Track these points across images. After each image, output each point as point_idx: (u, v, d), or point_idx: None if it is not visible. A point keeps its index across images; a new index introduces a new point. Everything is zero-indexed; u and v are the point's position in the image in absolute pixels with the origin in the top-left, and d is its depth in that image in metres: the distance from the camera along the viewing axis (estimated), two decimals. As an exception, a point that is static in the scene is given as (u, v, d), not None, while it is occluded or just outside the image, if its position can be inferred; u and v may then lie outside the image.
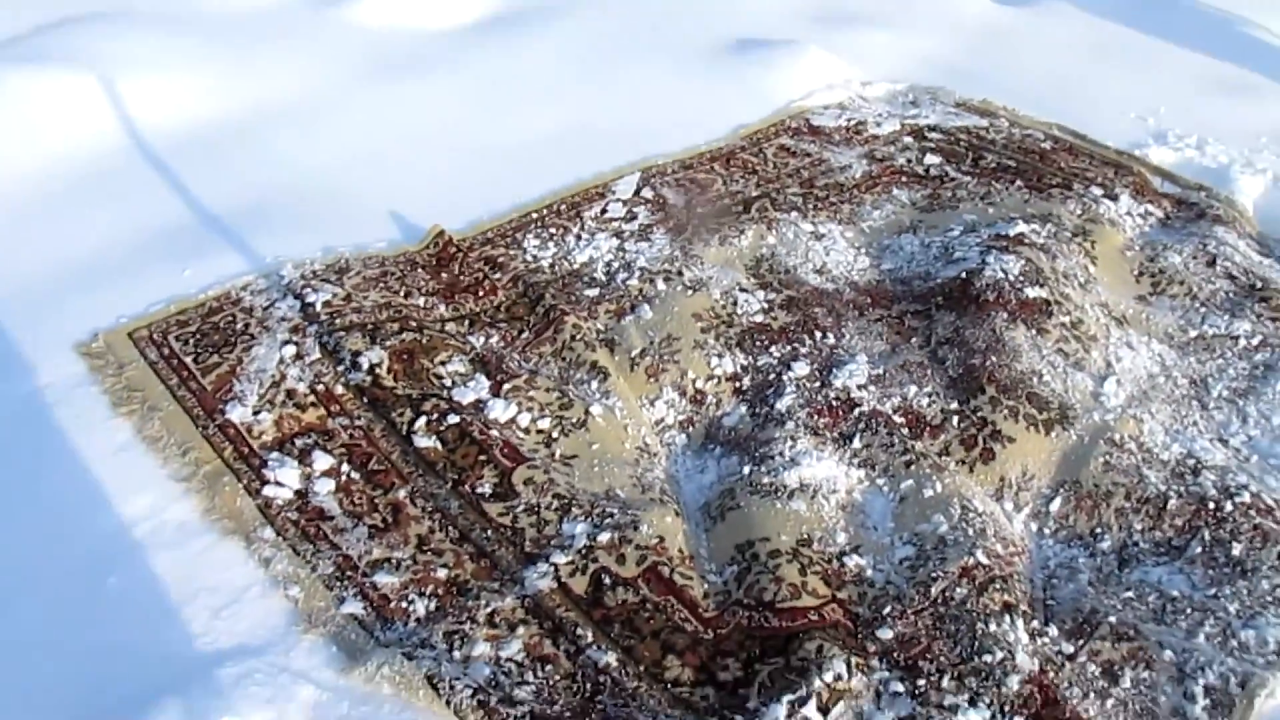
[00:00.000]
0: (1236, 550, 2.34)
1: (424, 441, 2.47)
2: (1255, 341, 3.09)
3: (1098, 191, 3.75)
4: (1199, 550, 2.35)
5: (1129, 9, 5.57)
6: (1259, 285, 3.32)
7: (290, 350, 2.65)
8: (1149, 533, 2.41)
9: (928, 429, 2.65)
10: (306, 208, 3.34)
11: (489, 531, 2.28)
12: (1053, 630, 2.14)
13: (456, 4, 4.93)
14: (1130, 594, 2.25)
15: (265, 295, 2.86)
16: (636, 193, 3.56)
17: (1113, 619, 2.15)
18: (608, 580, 2.16)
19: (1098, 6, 5.58)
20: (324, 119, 3.88)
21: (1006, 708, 1.94)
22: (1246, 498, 2.47)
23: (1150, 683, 2.03)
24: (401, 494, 2.35)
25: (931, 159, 3.97)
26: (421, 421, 2.51)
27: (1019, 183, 3.80)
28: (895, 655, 2.05)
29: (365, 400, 2.58)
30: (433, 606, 2.11)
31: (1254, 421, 2.80)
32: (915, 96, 4.49)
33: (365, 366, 2.62)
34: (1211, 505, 2.44)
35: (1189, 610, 2.20)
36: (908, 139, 4.12)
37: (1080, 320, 3.03)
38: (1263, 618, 2.17)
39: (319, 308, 2.78)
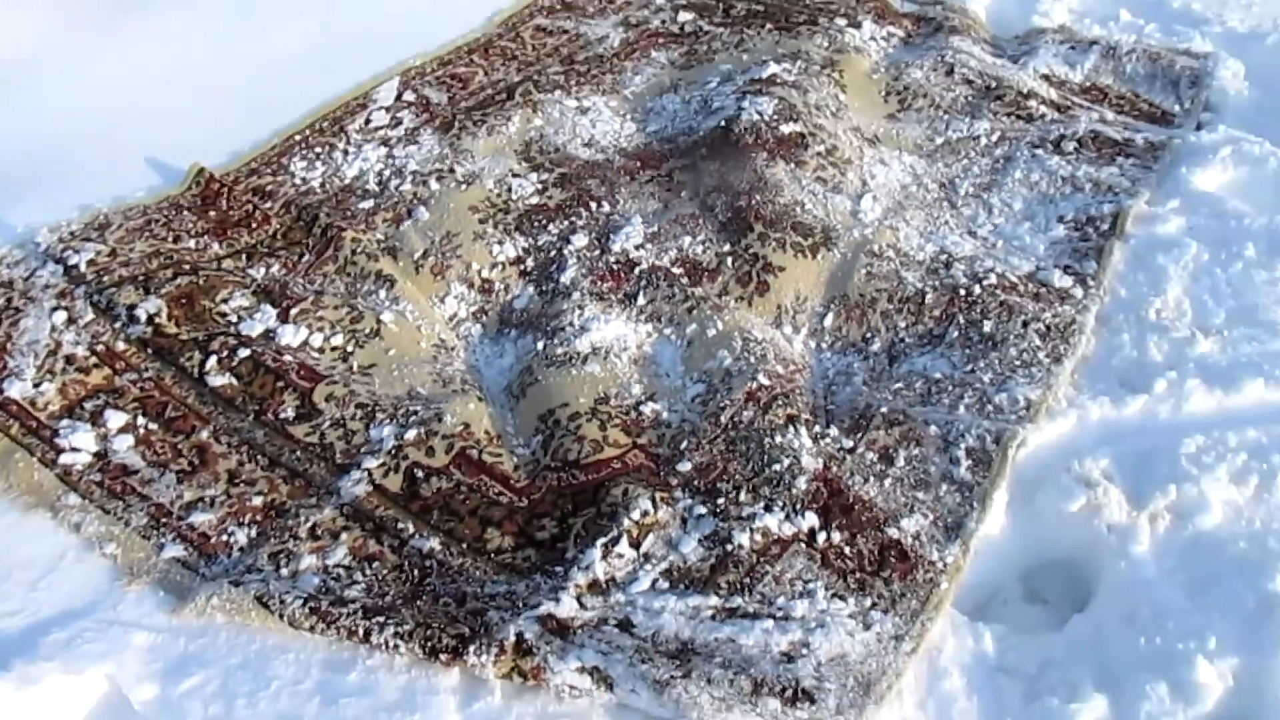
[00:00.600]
0: (987, 327, 2.59)
1: (218, 380, 2.47)
2: (995, 138, 3.34)
3: (842, 22, 3.91)
4: (955, 334, 2.59)
5: None
6: (993, 85, 3.56)
7: (61, 316, 2.58)
8: (912, 328, 2.64)
9: (705, 274, 2.79)
10: (54, 168, 3.18)
11: (298, 453, 2.33)
12: (833, 431, 2.34)
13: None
14: (900, 385, 2.48)
15: (23, 266, 2.75)
16: (398, 97, 3.53)
17: (884, 409, 2.37)
18: (420, 473, 2.25)
19: None
20: (57, 72, 3.66)
21: (798, 505, 2.14)
22: (993, 280, 2.72)
23: (921, 457, 2.26)
24: (204, 435, 2.36)
25: (685, 16, 4.05)
26: (212, 361, 2.50)
27: (769, 26, 3.93)
28: (696, 483, 2.22)
29: (150, 352, 2.55)
30: (254, 534, 2.16)
31: (998, 210, 3.05)
32: (662, -43, 4.53)
33: (144, 318, 2.58)
34: (963, 292, 2.69)
35: (950, 388, 2.44)
36: (660, 1, 4.18)
37: (835, 147, 3.21)
38: (1012, 380, 2.43)
39: (84, 268, 2.70)
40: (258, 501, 2.22)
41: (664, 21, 4.04)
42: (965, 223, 3.01)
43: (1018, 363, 2.48)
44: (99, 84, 3.60)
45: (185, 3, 4.11)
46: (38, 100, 3.51)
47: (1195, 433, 2.22)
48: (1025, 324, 2.57)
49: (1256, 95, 3.49)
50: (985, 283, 2.70)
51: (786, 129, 3.20)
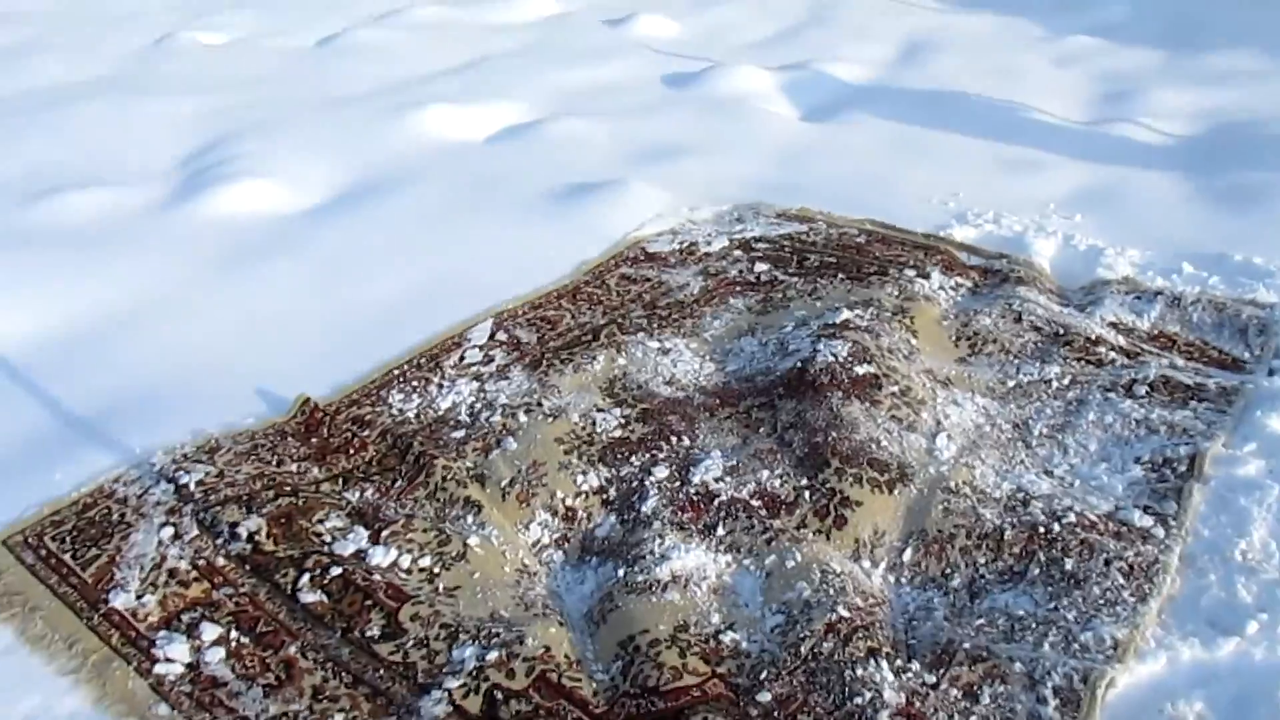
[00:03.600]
0: (1069, 565, 2.58)
1: (310, 597, 2.55)
2: (1066, 381, 3.42)
3: (911, 273, 4.12)
4: (1037, 571, 2.58)
5: (918, 109, 6.17)
6: (1061, 332, 3.68)
7: (168, 532, 2.72)
8: (992, 564, 2.64)
9: (783, 507, 2.85)
10: (173, 398, 3.43)
11: (381, 671, 2.37)
12: (915, 665, 2.32)
13: (296, 191, 5.16)
14: (982, 620, 2.46)
15: (138, 484, 2.93)
16: (491, 337, 3.76)
17: (967, 645, 2.35)
18: (500, 695, 2.27)
19: (890, 112, 6.15)
20: (180, 312, 4.00)
21: (881, 742, 2.10)
22: (1072, 518, 2.73)
23: (1006, 695, 2.22)
24: (292, 650, 2.42)
25: (761, 266, 4.30)
26: (305, 579, 2.60)
27: (841, 276, 4.15)
28: (776, 714, 2.20)
29: (248, 568, 2.66)
30: (334, 751, 2.18)
31: (1073, 451, 3.09)
32: (739, 214, 4.86)
33: (244, 535, 2.71)
34: (1042, 530, 2.69)
35: (1034, 625, 2.41)
36: (737, 252, 4.45)
37: (908, 388, 3.32)
38: (1097, 619, 2.40)
39: (193, 487, 2.87)
40: (340, 718, 2.25)
41: (741, 271, 4.28)
42: (1041, 462, 3.05)
43: (1102, 601, 2.45)
44: (217, 322, 3.92)
45: (302, 248, 4.51)
46: (161, 337, 3.82)
47: (1293, 678, 2.16)
48: (1108, 562, 2.56)
49: (1326, 344, 3.55)
50: (1064, 521, 2.71)
51: (861, 370, 3.33)
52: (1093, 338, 3.65)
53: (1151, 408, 3.23)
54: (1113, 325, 3.79)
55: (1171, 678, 2.23)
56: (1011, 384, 3.45)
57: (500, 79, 7.06)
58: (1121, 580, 2.50)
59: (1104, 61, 7.19)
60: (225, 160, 5.55)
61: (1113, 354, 3.57)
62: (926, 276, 4.10)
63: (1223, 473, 2.88)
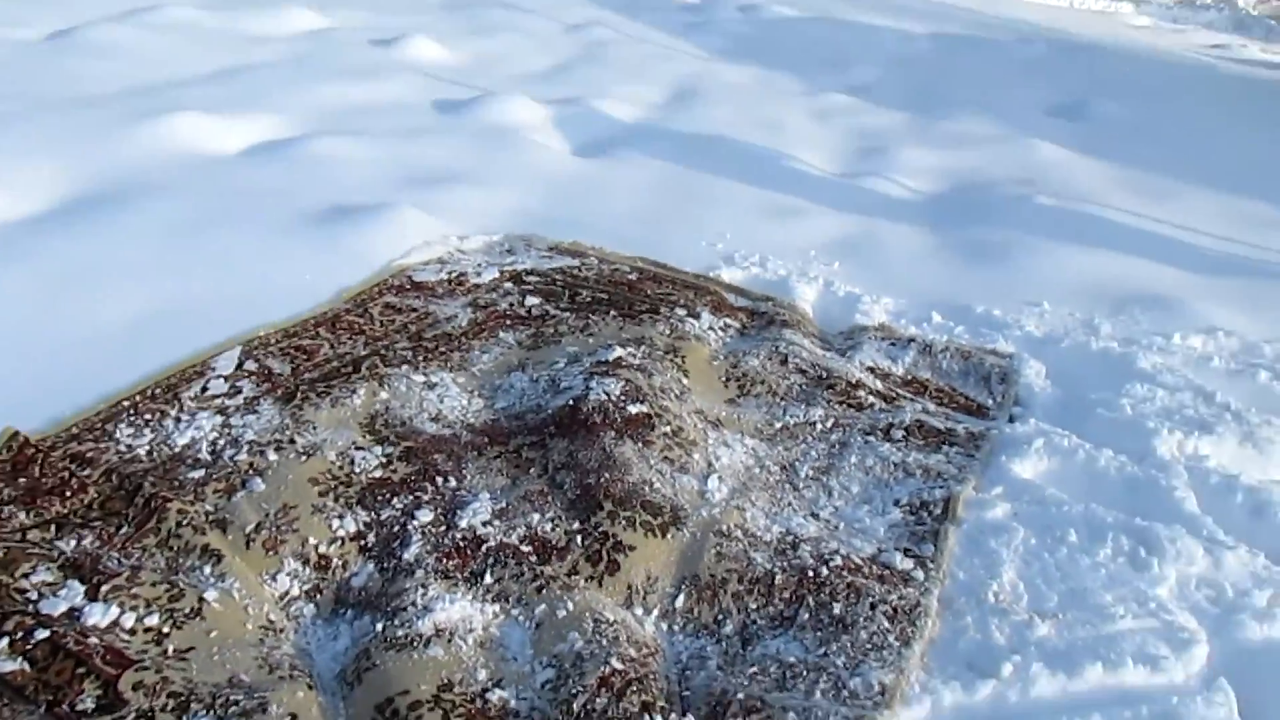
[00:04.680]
0: (837, 609, 2.59)
1: (7, 666, 2.19)
2: (829, 424, 3.50)
3: (682, 312, 4.13)
4: (806, 616, 2.58)
5: (687, 152, 6.28)
6: (825, 375, 3.77)
7: None
8: (764, 609, 2.62)
9: (554, 552, 2.73)
10: None
11: (94, 751, 2.05)
12: (690, 719, 2.24)
13: (22, 194, 4.60)
14: (754, 669, 2.42)
15: None
16: (239, 366, 3.45)
17: (741, 695, 2.30)
18: (237, 773, 2.01)
19: (661, 152, 6.23)
20: None
21: (656, 804, 2.00)
22: (839, 561, 2.76)
23: (780, 748, 2.18)
24: (-18, 731, 2.07)
25: (532, 300, 4.19)
26: (3, 643, 2.23)
27: (613, 312, 4.10)
28: (546, 779, 2.06)
29: (-71, 633, 2.26)
30: None
31: (837, 493, 3.15)
32: (511, 245, 4.74)
33: (-74, 595, 2.31)
34: (811, 573, 2.71)
35: (805, 672, 2.40)
36: (508, 284, 4.33)
37: (680, 428, 3.29)
38: (865, 664, 2.41)
39: None
40: (39, 812, 1.93)
41: (512, 304, 4.16)
42: (808, 505, 3.08)
43: (869, 645, 2.48)
44: (-92, 340, 3.39)
45: (24, 259, 4.00)
46: None
47: (1045, 718, 2.23)
48: (873, 605, 2.59)
49: (1058, 393, 3.82)
50: (832, 564, 2.74)
51: (634, 409, 3.27)
52: (853, 381, 3.77)
53: (908, 451, 3.35)
54: (870, 370, 3.93)
55: (935, 722, 2.27)
56: (779, 425, 3.50)
57: (258, 90, 6.62)
58: (887, 624, 2.54)
59: (857, 119, 7.61)
60: (-71, 157, 4.89)
61: (872, 398, 3.69)
62: (697, 316, 4.12)
63: (974, 515, 3.01)
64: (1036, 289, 4.71)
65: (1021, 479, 3.20)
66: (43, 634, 2.26)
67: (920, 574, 2.75)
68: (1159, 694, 2.36)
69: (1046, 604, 2.64)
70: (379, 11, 9.40)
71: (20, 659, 2.21)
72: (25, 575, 2.41)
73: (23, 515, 2.65)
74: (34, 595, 2.37)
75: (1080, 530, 2.91)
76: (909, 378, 3.93)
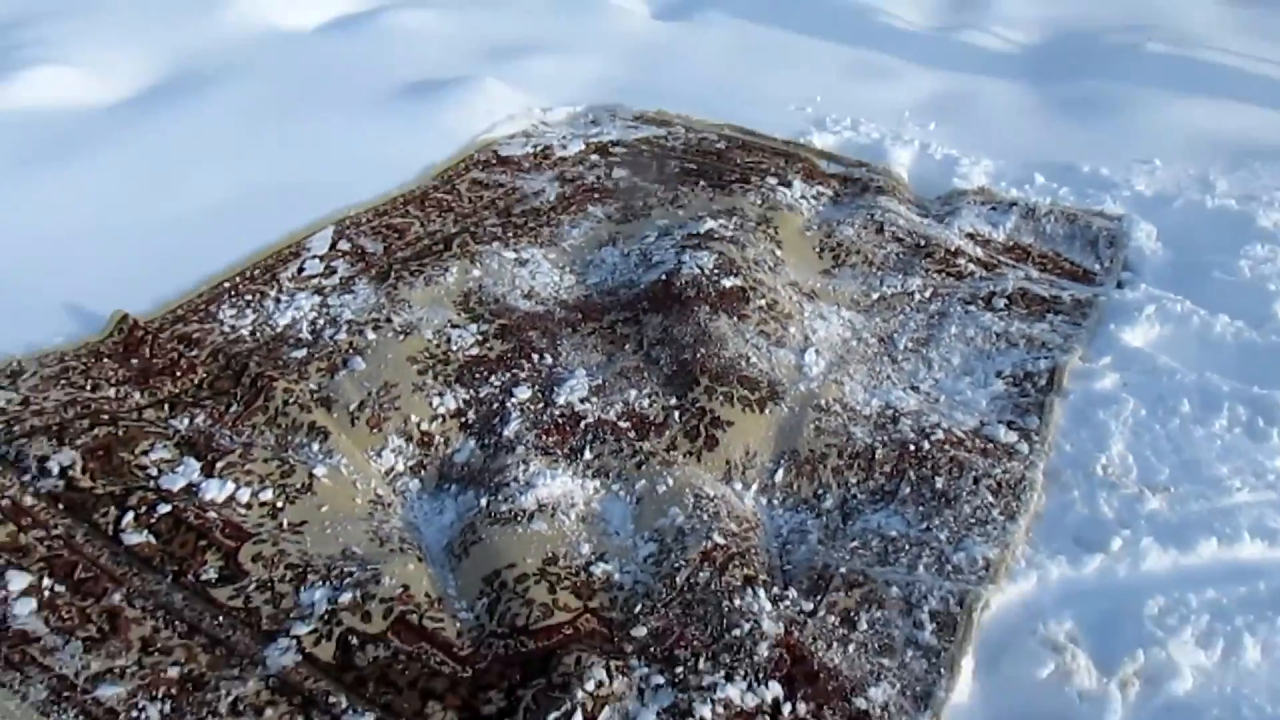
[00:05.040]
0: (939, 484, 2.56)
1: (135, 538, 2.29)
2: (928, 294, 3.41)
3: (773, 181, 4.01)
4: (908, 490, 2.55)
5: (774, 11, 6.02)
6: (923, 243, 3.66)
7: (-37, 470, 2.39)
8: (864, 484, 2.60)
9: (652, 428, 2.73)
10: (-34, 315, 3.02)
11: (220, 618, 2.14)
12: (792, 592, 2.26)
13: (107, 82, 4.63)
14: (856, 543, 2.41)
15: (-75, 415, 2.57)
16: (333, 246, 3.47)
17: (843, 570, 2.30)
18: (355, 640, 2.09)
19: (742, 12, 5.98)
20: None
21: (760, 674, 2.03)
22: (940, 434, 2.71)
23: (884, 620, 2.18)
24: (116, 598, 2.17)
25: (619, 172, 4.11)
26: (129, 518, 2.32)
27: (702, 183, 4.01)
28: (652, 650, 2.10)
29: (61, 507, 2.36)
30: (168, 709, 1.96)
31: (937, 365, 3.08)
32: (595, 116, 4.64)
33: (56, 471, 2.40)
34: (912, 447, 2.67)
35: (907, 546, 2.38)
36: (594, 156, 4.25)
37: (775, 301, 3.23)
38: (969, 539, 2.39)
39: (-9, 419, 2.53)
40: (174, 673, 2.03)
41: (599, 177, 4.09)
42: (907, 377, 3.02)
43: (972, 520, 2.45)
44: (18, 228, 3.47)
45: (119, 146, 4.04)
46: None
47: (1156, 593, 2.20)
48: (976, 480, 2.55)
49: (1170, 255, 3.65)
50: (933, 438, 2.69)
51: (727, 283, 3.22)
52: (952, 249, 3.65)
53: (1010, 320, 3.25)
54: (970, 236, 3.79)
55: (1041, 597, 2.25)
56: (875, 296, 3.41)
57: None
58: (990, 498, 2.50)
59: (953, -33, 7.17)
60: (21, 45, 4.92)
61: (971, 266, 3.58)
62: (788, 185, 4.01)
63: (1081, 386, 2.92)
64: (1147, 145, 4.47)
65: (1131, 347, 3.08)
66: (165, 508, 2.35)
67: (1025, 447, 2.69)
68: (1276, 569, 2.30)
69: (1157, 477, 2.57)
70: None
71: (146, 532, 2.31)
72: (144, 452, 2.50)
73: (138, 395, 2.74)
74: (154, 471, 2.45)
75: (1193, 400, 2.81)
76: (1010, 243, 3.79)
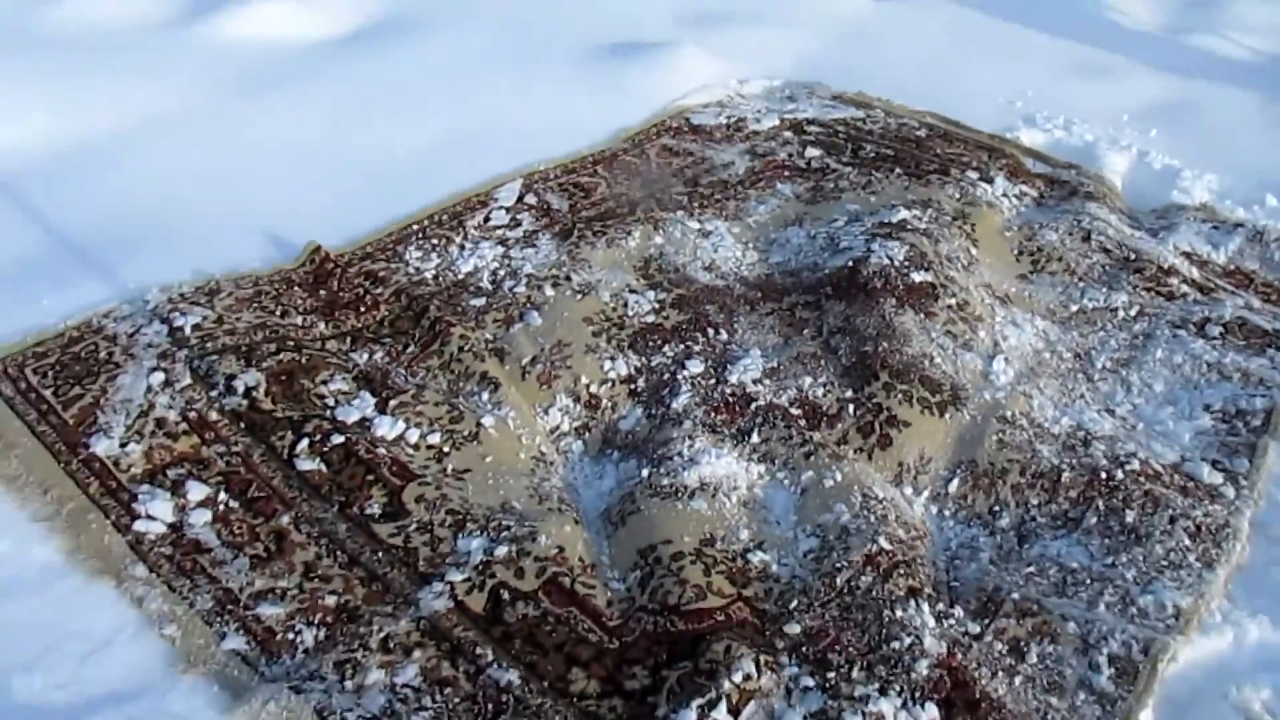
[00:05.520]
0: (1130, 518, 2.37)
1: (307, 464, 2.35)
2: (1133, 312, 3.17)
3: (974, 175, 3.81)
4: (1094, 520, 2.38)
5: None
6: (1132, 257, 3.41)
7: (159, 377, 2.50)
8: (1045, 506, 2.43)
9: (825, 419, 2.63)
10: (174, 230, 3.17)
11: (380, 554, 2.18)
12: (958, 611, 2.13)
13: (323, 17, 4.79)
14: (1031, 569, 2.26)
15: (130, 321, 2.70)
16: (519, 199, 3.48)
17: (1016, 595, 2.16)
18: (507, 595, 2.09)
19: (962, -2, 5.71)
20: (189, 137, 3.70)
21: (917, 694, 1.92)
22: (1136, 465, 2.52)
23: (1056, 656, 2.04)
24: (285, 520, 2.23)
25: (812, 152, 3.99)
26: (304, 444, 2.39)
27: (898, 170, 3.84)
28: (804, 650, 2.02)
29: (242, 425, 2.45)
30: (322, 636, 2.00)
31: (1137, 390, 2.86)
32: (792, 92, 4.52)
33: (241, 390, 2.49)
34: (1103, 475, 2.48)
35: (1089, 581, 2.22)
36: (788, 134, 4.13)
37: (966, 302, 3.07)
38: (1159, 582, 2.20)
39: (188, 331, 2.64)
40: (331, 601, 2.07)
41: (790, 155, 3.97)
42: (1102, 399, 2.82)
43: (1164, 562, 2.26)
44: (226, 154, 3.63)
45: (322, 84, 4.18)
46: (166, 163, 3.53)
47: (1369, 670, 1.98)
48: (1173, 519, 2.35)
49: None
50: (1128, 467, 2.50)
51: (917, 277, 3.07)
52: (1165, 267, 3.38)
53: (1225, 351, 2.99)
54: (1186, 255, 3.51)
55: (1237, 658, 2.06)
56: (1075, 308, 3.20)
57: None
58: (1187, 541, 2.30)
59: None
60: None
61: (1185, 287, 3.31)
62: (990, 181, 3.80)
63: (1301, 432, 2.66)
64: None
65: (1363, 396, 2.79)
66: (338, 439, 2.40)
67: (1230, 490, 2.47)
68: None
69: (1380, 542, 2.32)
70: None
71: (318, 459, 2.36)
72: (324, 382, 2.56)
73: (322, 325, 2.81)
74: (331, 402, 2.51)
75: None
76: (1232, 267, 3.49)
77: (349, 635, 2.00)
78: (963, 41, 5.19)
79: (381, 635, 2.00)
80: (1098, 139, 4.26)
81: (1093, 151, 4.16)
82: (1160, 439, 2.67)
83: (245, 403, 2.48)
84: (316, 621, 2.03)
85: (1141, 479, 2.47)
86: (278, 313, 2.82)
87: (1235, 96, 4.77)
